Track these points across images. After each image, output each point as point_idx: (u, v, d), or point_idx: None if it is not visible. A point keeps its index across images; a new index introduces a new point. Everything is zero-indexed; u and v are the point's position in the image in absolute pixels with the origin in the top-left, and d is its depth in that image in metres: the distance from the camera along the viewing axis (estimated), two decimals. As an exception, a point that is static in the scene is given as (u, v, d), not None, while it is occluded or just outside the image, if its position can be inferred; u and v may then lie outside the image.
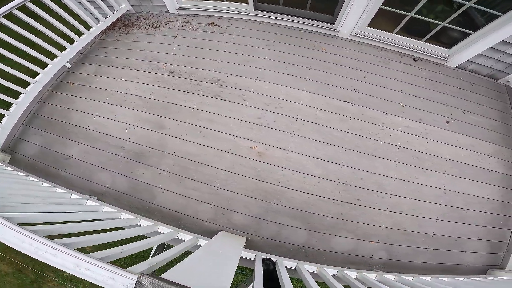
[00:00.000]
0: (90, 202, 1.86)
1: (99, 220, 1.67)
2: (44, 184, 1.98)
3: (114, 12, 3.09)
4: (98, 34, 2.89)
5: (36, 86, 2.50)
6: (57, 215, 1.48)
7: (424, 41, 2.55)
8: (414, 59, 2.72)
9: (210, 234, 2.02)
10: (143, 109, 2.41)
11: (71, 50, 2.66)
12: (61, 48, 2.59)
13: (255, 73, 2.53)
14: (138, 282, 0.78)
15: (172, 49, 2.77)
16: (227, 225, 2.08)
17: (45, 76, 2.53)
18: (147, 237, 1.54)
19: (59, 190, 1.97)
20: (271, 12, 2.79)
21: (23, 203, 1.51)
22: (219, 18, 3.00)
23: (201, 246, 1.80)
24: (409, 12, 2.24)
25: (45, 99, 2.63)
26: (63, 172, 2.31)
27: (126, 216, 1.81)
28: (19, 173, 2.09)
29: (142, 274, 0.77)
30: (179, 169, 2.17)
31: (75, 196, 1.93)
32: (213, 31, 2.87)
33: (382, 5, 2.23)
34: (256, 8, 2.80)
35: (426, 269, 2.05)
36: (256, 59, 2.62)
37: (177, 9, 3.12)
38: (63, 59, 2.62)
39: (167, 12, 3.21)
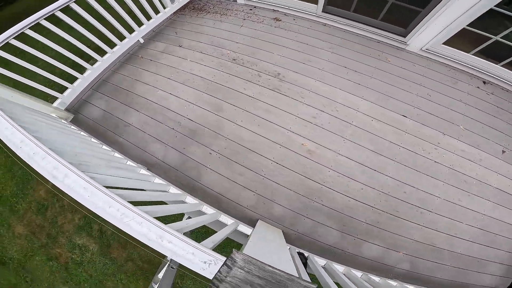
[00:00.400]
0: (143, 171, 1.99)
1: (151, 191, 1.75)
2: (104, 147, 2.14)
3: None
4: (171, 14, 3.10)
5: (111, 56, 2.73)
6: (120, 180, 1.45)
7: (501, 65, 2.41)
8: (484, 82, 2.58)
9: (247, 220, 2.08)
10: (204, 90, 2.54)
11: (147, 27, 2.88)
12: (139, 23, 2.82)
13: (316, 73, 2.56)
14: (231, 258, 0.75)
15: (237, 37, 2.89)
16: (265, 214, 2.12)
17: (121, 48, 2.76)
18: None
19: (116, 155, 2.12)
20: (339, 16, 2.80)
21: (93, 164, 1.47)
22: (284, 15, 3.07)
23: (239, 231, 1.87)
24: (495, 36, 2.14)
25: (116, 69, 2.86)
26: (120, 138, 2.49)
27: (173, 190, 1.91)
28: (82, 133, 2.28)
29: (236, 250, 0.78)
30: (229, 152, 2.26)
31: (130, 163, 2.08)
32: (278, 26, 2.95)
33: (466, 25, 2.15)
34: (324, 10, 2.83)
35: (442, 285, 1.99)
36: (317, 60, 2.64)
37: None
38: (139, 34, 2.85)
39: (235, 1, 3.35)
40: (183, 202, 1.89)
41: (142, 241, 0.90)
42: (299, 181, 2.16)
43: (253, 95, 2.46)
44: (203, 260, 0.86)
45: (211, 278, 0.78)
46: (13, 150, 1.12)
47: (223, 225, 1.88)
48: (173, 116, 2.47)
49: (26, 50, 1.95)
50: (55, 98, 2.48)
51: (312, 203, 2.11)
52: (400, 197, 2.11)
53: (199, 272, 0.85)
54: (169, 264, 1.47)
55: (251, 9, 3.22)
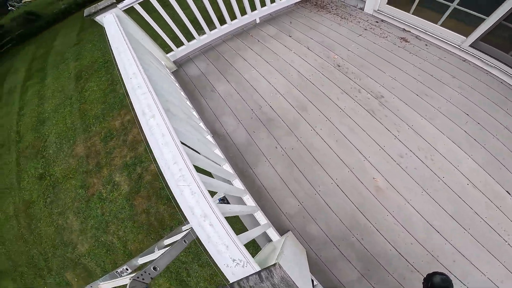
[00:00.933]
0: (209, 137, 2.07)
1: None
2: (187, 102, 2.32)
3: None
4: (293, 4, 3.13)
5: (228, 27, 2.94)
6: (192, 139, 1.42)
7: None
8: None
9: (277, 226, 1.97)
10: (296, 85, 2.48)
11: (268, 8, 2.98)
12: (262, 4, 2.94)
13: (427, 111, 2.18)
14: (269, 270, 0.63)
15: (350, 45, 2.70)
16: (298, 228, 1.97)
17: (239, 21, 2.94)
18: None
19: (194, 113, 2.28)
20: (490, 56, 2.27)
21: (177, 115, 1.46)
22: (416, 37, 2.69)
23: (266, 234, 1.77)
24: None
25: (226, 40, 3.08)
26: (203, 99, 2.69)
27: (227, 168, 1.91)
28: (177, 84, 2.53)
29: (280, 266, 0.64)
30: (295, 154, 2.17)
31: (201, 125, 2.19)
32: (402, 47, 2.61)
33: None
34: (473, 45, 2.34)
35: None
36: (437, 97, 2.23)
37: (374, 10, 2.98)
38: (258, 13, 2.98)
39: (361, 9, 3.13)
40: (229, 183, 1.89)
41: (185, 213, 0.81)
42: (350, 211, 1.92)
43: (344, 108, 2.27)
44: (233, 257, 0.75)
45: (232, 279, 0.69)
46: (123, 79, 1.30)
47: (255, 222, 1.83)
48: (257, 98, 2.51)
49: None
50: (170, 50, 2.84)
51: (351, 237, 1.86)
52: (445, 263, 1.71)
53: (220, 267, 0.75)
54: (183, 237, 1.37)
55: (377, 22, 2.95)
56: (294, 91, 2.44)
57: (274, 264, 0.62)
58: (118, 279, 1.13)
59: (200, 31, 2.84)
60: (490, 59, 2.27)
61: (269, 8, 3.07)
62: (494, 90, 2.23)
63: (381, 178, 1.98)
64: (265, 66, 2.70)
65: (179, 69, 2.98)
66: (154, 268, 1.01)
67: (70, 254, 6.27)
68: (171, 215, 5.59)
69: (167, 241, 1.57)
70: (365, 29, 2.85)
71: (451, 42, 2.47)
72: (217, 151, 2.00)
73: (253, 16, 3.03)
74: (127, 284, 0.89)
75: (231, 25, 2.95)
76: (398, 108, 2.21)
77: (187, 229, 1.57)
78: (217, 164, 1.81)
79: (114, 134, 7.32)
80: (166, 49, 2.84)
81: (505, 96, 2.19)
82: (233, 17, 2.93)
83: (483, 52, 2.30)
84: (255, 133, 2.33)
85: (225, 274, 0.73)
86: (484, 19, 2.11)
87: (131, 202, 6.24)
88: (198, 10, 2.53)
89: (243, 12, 2.94)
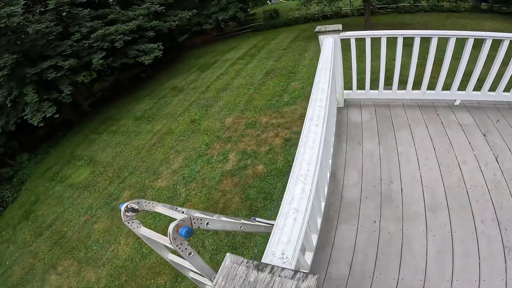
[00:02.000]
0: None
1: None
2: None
3: None
4: None
5: (418, 94, 2.86)
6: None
7: None
8: None
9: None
10: (447, 186, 2.10)
11: (480, 95, 2.66)
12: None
13: None
14: (306, 274, 0.61)
15: None
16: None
17: (435, 94, 2.81)
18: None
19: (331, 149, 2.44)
20: None
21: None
22: None
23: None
24: None
25: (407, 104, 2.99)
26: (345, 145, 2.69)
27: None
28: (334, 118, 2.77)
29: (317, 278, 0.61)
30: (386, 238, 1.85)
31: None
32: None
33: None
34: None
35: None
36: None
37: None
38: (463, 95, 2.71)
39: None
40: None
41: (285, 200, 1.00)
42: None
43: (480, 232, 1.75)
44: (284, 251, 0.82)
45: (267, 261, 0.78)
46: (313, 88, 1.72)
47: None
48: (394, 173, 2.29)
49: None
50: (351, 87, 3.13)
51: None
52: None
53: (267, 251, 0.85)
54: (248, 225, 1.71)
55: None
56: (439, 192, 2.06)
57: (313, 274, 0.62)
58: (173, 211, 1.40)
59: (388, 85, 2.95)
60: None
61: (482, 95, 2.69)
62: None
63: None
64: (428, 152, 2.41)
65: (344, 107, 3.24)
66: (207, 224, 1.18)
67: (148, 181, 8.26)
68: (236, 210, 6.21)
69: (231, 220, 1.79)
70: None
71: None
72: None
73: (455, 95, 2.76)
74: (176, 219, 1.02)
75: (423, 94, 2.84)
76: None
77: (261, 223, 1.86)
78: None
79: (256, 126, 8.87)
80: (348, 84, 3.15)
81: None
82: (432, 86, 2.80)
83: None
84: (367, 199, 2.18)
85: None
86: None
87: (223, 178, 7.22)
88: (400, 65, 2.66)
89: (447, 86, 2.76)
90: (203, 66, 16.91)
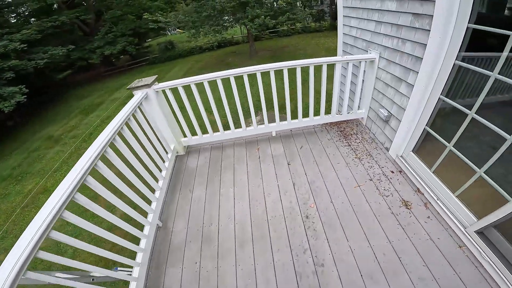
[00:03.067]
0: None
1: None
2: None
3: (348, 112, 3.45)
4: (313, 125, 3.34)
5: (241, 132, 3.36)
6: None
7: None
8: None
9: None
10: (254, 220, 2.54)
11: (287, 124, 3.38)
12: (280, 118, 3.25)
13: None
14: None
15: (338, 197, 2.61)
16: None
17: (253, 130, 3.34)
18: None
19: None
20: (494, 248, 1.82)
21: None
22: (424, 205, 2.40)
23: None
24: None
25: (237, 143, 3.48)
26: (178, 193, 2.97)
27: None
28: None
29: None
30: (206, 276, 2.12)
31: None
32: (395, 214, 2.35)
33: None
34: (482, 230, 1.92)
35: None
36: (382, 284, 1.87)
37: (398, 155, 2.79)
38: (276, 126, 3.31)
39: (387, 149, 2.99)
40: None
41: None
42: None
43: (276, 261, 2.15)
44: None
45: None
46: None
47: None
48: (214, 215, 2.59)
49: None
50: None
51: None
52: None
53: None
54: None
55: (393, 172, 2.74)
56: (247, 226, 2.47)
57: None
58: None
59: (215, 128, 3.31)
60: (490, 254, 1.79)
61: (288, 124, 3.33)
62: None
63: None
64: (243, 189, 2.83)
65: (185, 155, 3.45)
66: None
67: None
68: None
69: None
70: (371, 179, 2.69)
71: (458, 221, 2.11)
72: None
73: (269, 128, 3.32)
74: None
75: (244, 131, 3.32)
76: (328, 283, 1.92)
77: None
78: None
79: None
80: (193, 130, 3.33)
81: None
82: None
83: (489, 242, 1.85)
84: (190, 242, 2.40)
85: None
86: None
87: (112, 228, 6.50)
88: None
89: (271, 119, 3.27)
90: (87, 109, 15.32)
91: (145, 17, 16.09)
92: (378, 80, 3.07)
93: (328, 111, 3.40)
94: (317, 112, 3.32)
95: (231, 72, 2.84)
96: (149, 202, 2.46)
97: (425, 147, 2.59)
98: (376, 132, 3.25)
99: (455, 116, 2.06)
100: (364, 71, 3.17)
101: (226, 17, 15.25)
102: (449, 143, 2.14)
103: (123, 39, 20.37)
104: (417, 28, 2.29)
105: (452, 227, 2.15)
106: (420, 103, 2.37)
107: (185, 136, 3.39)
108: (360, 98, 3.40)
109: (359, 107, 3.48)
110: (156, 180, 2.70)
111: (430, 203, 2.38)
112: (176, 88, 2.86)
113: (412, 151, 2.67)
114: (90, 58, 20.05)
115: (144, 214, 2.36)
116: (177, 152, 3.39)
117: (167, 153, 3.12)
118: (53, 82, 20.55)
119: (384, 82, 2.95)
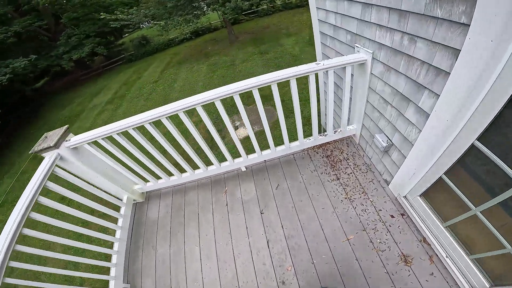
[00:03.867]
0: None
1: None
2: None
3: (335, 131, 2.79)
4: (294, 152, 2.82)
5: (202, 173, 2.76)
6: None
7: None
8: None
9: None
10: (224, 283, 2.01)
11: (258, 157, 2.73)
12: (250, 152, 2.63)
13: None
14: None
15: (323, 255, 2.09)
16: None
17: (216, 169, 2.75)
18: None
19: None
20: None
21: None
22: (429, 258, 1.95)
23: None
24: None
25: (201, 184, 2.89)
26: (141, 251, 2.52)
27: None
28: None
29: None
30: None
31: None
32: (390, 273, 1.90)
33: None
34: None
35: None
36: None
37: (400, 194, 2.22)
38: (244, 162, 2.76)
39: (387, 182, 2.41)
40: None
41: None
42: None
43: None
44: None
45: None
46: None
47: None
48: (181, 280, 2.22)
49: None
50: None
51: None
52: None
53: None
54: None
55: (392, 216, 2.22)
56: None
57: None
58: None
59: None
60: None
61: (258, 157, 2.71)
62: None
63: None
64: (210, 247, 2.38)
65: (145, 202, 2.88)
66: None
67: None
68: None
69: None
70: (363, 229, 2.15)
71: (467, 283, 1.67)
72: None
73: (236, 164, 2.73)
74: None
75: (205, 171, 2.72)
76: None
77: None
78: None
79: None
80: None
81: None
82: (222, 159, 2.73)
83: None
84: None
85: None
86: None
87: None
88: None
89: (235, 155, 2.72)
90: (68, 119, 14.44)
91: (102, 16, 14.57)
92: (373, 92, 2.26)
93: (308, 133, 2.77)
94: (294, 137, 2.68)
95: (161, 112, 1.95)
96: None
97: (437, 195, 1.93)
98: (373, 157, 2.62)
99: (490, 168, 1.28)
100: (352, 74, 2.44)
101: (195, 4, 13.92)
102: (475, 206, 1.48)
103: (89, 40, 19.09)
104: (438, 18, 1.28)
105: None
106: (438, 142, 1.56)
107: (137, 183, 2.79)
108: (350, 110, 2.74)
109: (349, 121, 2.83)
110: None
111: (437, 255, 1.88)
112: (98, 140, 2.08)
113: (420, 196, 2.06)
114: (60, 65, 18.82)
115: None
116: (134, 200, 2.83)
117: (121, 200, 2.65)
118: (29, 94, 19.44)
119: (381, 96, 2.14)
